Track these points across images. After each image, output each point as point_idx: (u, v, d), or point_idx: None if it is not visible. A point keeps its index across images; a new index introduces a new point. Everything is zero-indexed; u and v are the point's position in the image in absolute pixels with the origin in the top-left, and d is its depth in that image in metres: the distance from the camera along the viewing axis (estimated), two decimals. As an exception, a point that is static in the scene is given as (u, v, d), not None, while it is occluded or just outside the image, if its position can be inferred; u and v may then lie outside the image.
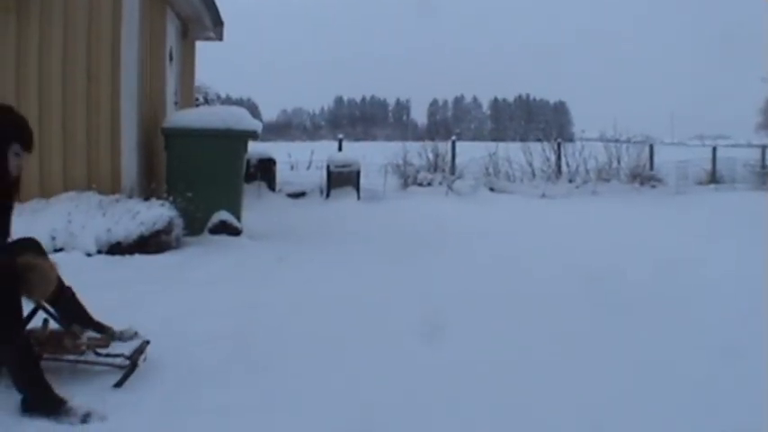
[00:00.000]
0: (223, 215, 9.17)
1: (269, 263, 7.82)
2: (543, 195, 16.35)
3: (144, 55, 9.66)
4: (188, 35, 14.53)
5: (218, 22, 14.81)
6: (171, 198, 8.65)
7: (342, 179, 14.43)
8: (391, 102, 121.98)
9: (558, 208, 14.51)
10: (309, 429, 3.63)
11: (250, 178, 13.43)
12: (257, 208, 11.79)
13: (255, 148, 14.02)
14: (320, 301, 6.10)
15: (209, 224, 9.12)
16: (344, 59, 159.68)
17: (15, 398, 3.77)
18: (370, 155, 16.48)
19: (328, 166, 14.64)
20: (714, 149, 21.03)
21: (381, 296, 6.35)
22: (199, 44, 15.57)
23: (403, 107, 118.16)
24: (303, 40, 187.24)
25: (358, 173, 14.64)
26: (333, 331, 5.18)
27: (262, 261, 7.87)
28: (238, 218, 9.36)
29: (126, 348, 4.35)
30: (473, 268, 7.81)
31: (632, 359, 4.77)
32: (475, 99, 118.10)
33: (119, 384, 4.14)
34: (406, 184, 16.51)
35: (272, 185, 14.43)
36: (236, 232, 9.19)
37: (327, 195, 14.36)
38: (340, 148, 18.25)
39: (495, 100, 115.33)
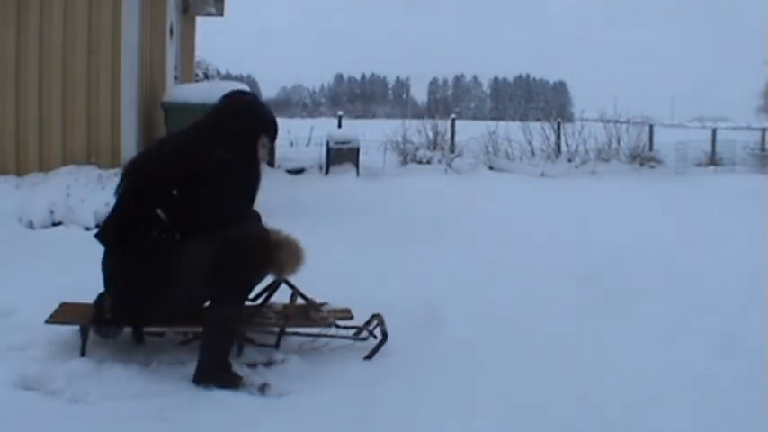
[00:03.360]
0: (222, 190, 9.15)
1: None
2: (542, 174, 16.32)
3: (144, 29, 9.63)
4: (188, 10, 14.50)
5: (218, -3, 14.78)
6: (170, 173, 8.64)
7: (341, 156, 14.40)
8: (391, 79, 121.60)
9: (557, 187, 14.49)
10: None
11: (249, 154, 13.39)
12: (256, 184, 11.75)
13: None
14: (316, 279, 6.11)
15: (208, 199, 9.11)
16: (344, 37, 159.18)
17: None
18: (370, 132, 16.43)
19: (328, 143, 14.61)
20: (714, 131, 20.95)
21: (378, 273, 6.36)
22: (199, 20, 15.53)
23: (403, 85, 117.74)
24: (303, 16, 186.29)
25: (357, 150, 14.61)
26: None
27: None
28: (237, 193, 9.34)
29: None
30: (470, 246, 7.81)
31: (632, 347, 4.77)
32: (475, 78, 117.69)
33: (369, 356, 4.31)
34: (405, 162, 16.47)
35: (271, 161, 14.40)
36: (234, 208, 9.16)
37: (327, 172, 14.34)
38: (339, 125, 18.20)
39: (496, 79, 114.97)
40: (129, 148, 8.91)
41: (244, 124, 4.18)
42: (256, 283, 4.20)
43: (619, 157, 18.00)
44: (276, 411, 3.59)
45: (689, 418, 3.66)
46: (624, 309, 5.53)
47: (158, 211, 3.95)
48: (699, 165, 19.39)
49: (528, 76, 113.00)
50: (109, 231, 4.09)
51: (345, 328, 4.44)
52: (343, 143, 14.51)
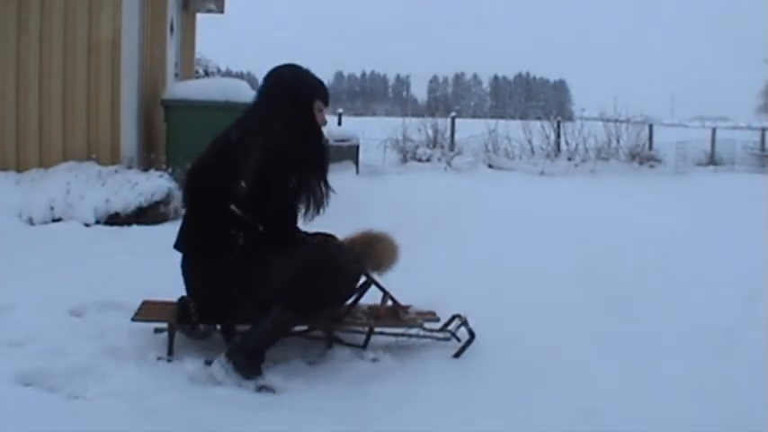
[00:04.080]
0: (222, 187, 9.14)
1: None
2: (542, 173, 16.34)
3: (145, 26, 9.63)
4: (189, 6, 14.48)
5: (219, -6, 14.77)
6: (170, 169, 8.65)
7: (341, 153, 14.39)
8: (391, 77, 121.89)
9: (556, 186, 14.49)
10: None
11: (249, 151, 13.37)
12: (256, 181, 11.71)
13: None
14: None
15: (208, 196, 9.10)
16: (345, 34, 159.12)
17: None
18: (370, 130, 16.43)
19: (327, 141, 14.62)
20: (714, 131, 20.98)
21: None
22: (199, 16, 15.51)
23: (403, 83, 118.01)
24: (303, 13, 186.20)
25: (357, 147, 14.62)
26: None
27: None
28: (237, 190, 9.32)
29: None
30: (469, 245, 7.80)
31: (631, 346, 4.76)
32: (475, 76, 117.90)
33: (457, 355, 4.36)
34: (404, 160, 16.51)
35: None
36: (234, 205, 9.15)
37: (326, 170, 14.35)
38: (339, 123, 18.24)
39: (496, 78, 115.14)
40: (128, 144, 8.91)
41: (294, 94, 4.06)
42: (327, 308, 4.14)
43: (618, 156, 18.02)
44: (275, 409, 3.59)
45: (689, 418, 3.66)
46: (623, 308, 5.53)
47: (232, 207, 3.86)
48: (698, 164, 19.43)
49: (528, 74, 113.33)
50: (183, 241, 4.06)
51: (431, 330, 4.47)
52: (343, 141, 14.51)
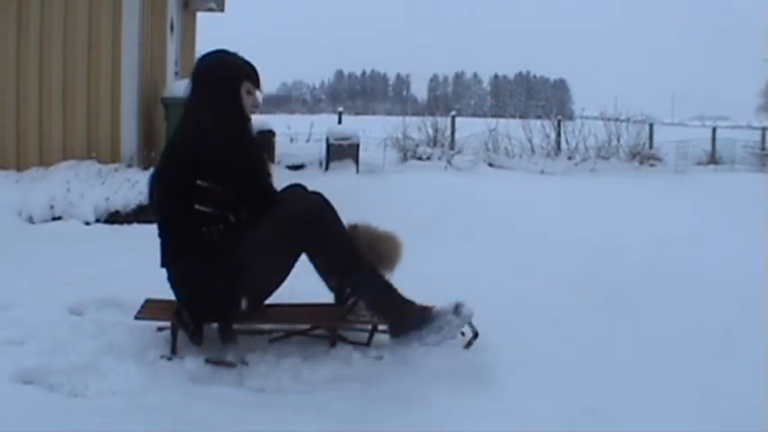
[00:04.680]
0: (221, 186, 9.14)
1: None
2: (542, 172, 16.33)
3: (145, 24, 9.63)
4: (189, 5, 14.48)
5: (219, -8, 14.77)
6: (170, 168, 8.64)
7: (341, 152, 14.40)
8: (391, 76, 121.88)
9: (556, 184, 14.49)
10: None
11: (249, 150, 13.35)
12: (256, 180, 11.70)
13: (255, 120, 13.93)
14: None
15: (208, 195, 9.09)
16: (345, 33, 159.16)
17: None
18: (370, 129, 16.42)
19: (328, 139, 14.61)
20: (714, 130, 20.97)
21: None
22: (200, 15, 15.51)
23: (403, 82, 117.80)
24: (304, 12, 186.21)
25: (357, 146, 14.62)
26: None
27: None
28: (237, 189, 9.32)
29: None
30: (469, 244, 7.80)
31: (631, 346, 4.76)
32: (475, 75, 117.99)
33: (468, 346, 4.39)
34: (405, 159, 16.49)
35: (271, 157, 14.39)
36: (234, 203, 9.15)
37: (326, 168, 14.34)
38: (340, 122, 18.23)
39: (496, 76, 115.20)
40: (129, 143, 8.92)
41: (220, 77, 4.03)
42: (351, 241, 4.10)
43: (619, 155, 18.02)
44: (276, 407, 3.58)
45: (688, 419, 3.65)
46: (623, 307, 5.52)
47: (197, 206, 3.81)
48: (699, 163, 19.42)
49: (528, 73, 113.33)
50: (165, 256, 4.01)
51: None
52: (344, 139, 14.51)
